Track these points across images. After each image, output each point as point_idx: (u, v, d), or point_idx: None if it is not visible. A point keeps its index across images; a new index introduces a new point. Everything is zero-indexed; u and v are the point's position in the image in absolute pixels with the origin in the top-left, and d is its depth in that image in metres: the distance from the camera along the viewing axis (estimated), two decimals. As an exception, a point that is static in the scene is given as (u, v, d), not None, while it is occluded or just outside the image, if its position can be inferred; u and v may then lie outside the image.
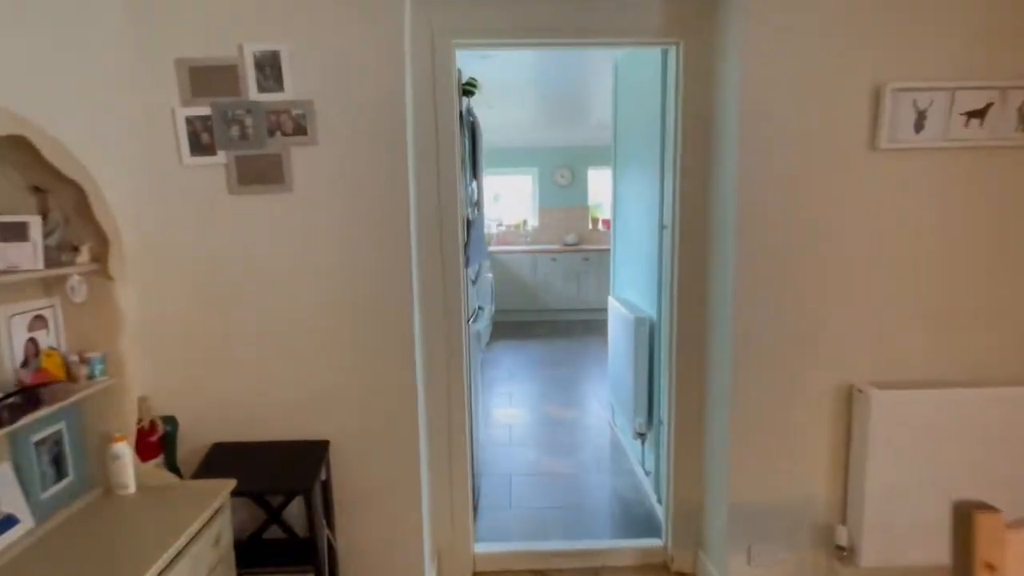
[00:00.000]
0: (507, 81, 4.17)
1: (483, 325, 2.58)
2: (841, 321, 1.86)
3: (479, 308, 2.99)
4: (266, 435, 1.85)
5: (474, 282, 2.64)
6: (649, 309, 2.66)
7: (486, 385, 4.49)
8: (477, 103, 4.81)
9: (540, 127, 6.31)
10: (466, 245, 2.30)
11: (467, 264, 2.31)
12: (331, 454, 1.85)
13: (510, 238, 7.42)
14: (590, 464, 3.04)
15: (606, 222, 7.36)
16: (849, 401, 1.90)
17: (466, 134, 2.38)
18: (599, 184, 7.51)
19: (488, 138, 7.04)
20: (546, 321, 6.85)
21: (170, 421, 1.79)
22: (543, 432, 3.53)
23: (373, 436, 1.87)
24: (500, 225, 7.47)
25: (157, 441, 1.76)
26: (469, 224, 2.37)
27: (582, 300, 6.83)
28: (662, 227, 2.35)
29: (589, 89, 4.50)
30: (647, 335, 2.61)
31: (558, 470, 2.98)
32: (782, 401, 1.90)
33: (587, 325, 6.59)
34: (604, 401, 4.04)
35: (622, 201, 3.29)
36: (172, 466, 1.79)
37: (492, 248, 6.87)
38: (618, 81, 3.34)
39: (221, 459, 1.77)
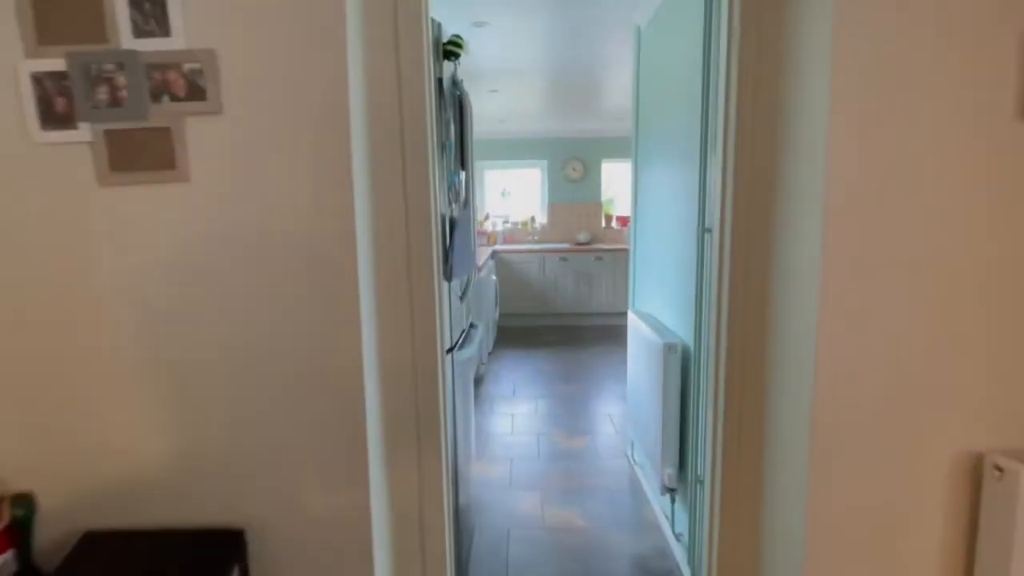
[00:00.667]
0: (511, 63, 3.63)
1: (474, 351, 2.05)
2: (968, 366, 1.31)
3: (471, 327, 2.47)
4: (157, 520, 1.34)
5: (462, 297, 2.12)
6: (682, 332, 2.12)
7: (487, 404, 3.97)
8: (476, 84, 4.27)
9: (549, 115, 5.77)
10: (447, 253, 1.77)
11: (449, 277, 1.78)
12: (248, 547, 1.34)
13: (517, 236, 6.89)
14: (606, 516, 2.51)
15: (621, 219, 6.81)
16: (976, 477, 1.35)
17: (449, 110, 1.85)
18: (613, 178, 6.96)
19: (492, 128, 6.51)
20: (555, 327, 6.32)
21: (24, 503, 1.29)
22: (550, 469, 3.00)
23: (307, 521, 1.35)
24: (506, 222, 6.94)
25: (4, 532, 1.26)
26: (452, 226, 1.84)
27: (594, 304, 6.29)
28: (703, 230, 1.81)
29: (603, 72, 3.95)
30: (679, 366, 2.07)
31: (567, 523, 2.46)
32: (882, 471, 1.36)
33: (600, 332, 6.05)
34: (619, 424, 3.51)
35: (645, 198, 2.74)
36: (27, 564, 1.29)
37: (497, 247, 6.34)
38: (641, 54, 2.80)
39: (91, 557, 1.26)
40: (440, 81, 1.73)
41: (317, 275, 1.27)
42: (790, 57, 1.40)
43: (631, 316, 2.72)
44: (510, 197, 7.11)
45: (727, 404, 1.63)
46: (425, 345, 1.56)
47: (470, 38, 3.02)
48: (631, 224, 2.96)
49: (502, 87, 4.34)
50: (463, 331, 2.17)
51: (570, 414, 3.77)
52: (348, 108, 1.23)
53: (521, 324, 6.34)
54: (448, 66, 1.87)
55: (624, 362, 4.88)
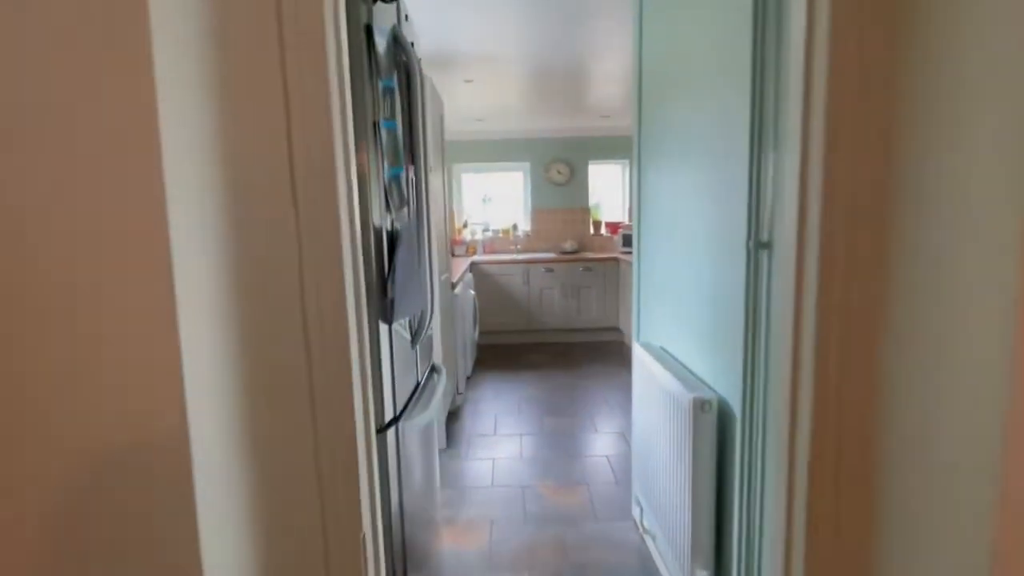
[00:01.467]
0: (484, 43, 3.08)
1: (433, 412, 1.46)
2: None
3: (432, 371, 1.89)
4: None
5: (414, 341, 1.54)
6: (717, 383, 1.57)
7: (463, 444, 3.39)
8: (448, 72, 3.70)
9: (531, 112, 5.23)
10: (385, 285, 1.20)
11: (391, 318, 1.21)
12: None
13: (498, 245, 6.34)
14: (612, 611, 1.95)
15: (610, 226, 6.29)
16: None
17: (391, 77, 1.28)
18: (601, 181, 6.46)
19: (470, 127, 5.94)
20: (541, 344, 5.76)
21: None
22: (538, 537, 2.43)
23: None
24: (486, 230, 6.38)
25: None
26: (393, 244, 1.27)
27: (583, 319, 5.75)
28: (757, 245, 1.26)
29: (591, 56, 3.42)
30: (714, 429, 1.52)
31: (562, 626, 1.89)
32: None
33: (590, 350, 5.51)
34: (619, 471, 2.95)
35: (653, 202, 2.20)
36: None
37: (476, 258, 5.77)
38: (644, 24, 2.26)
39: None
40: (369, 30, 1.16)
41: (117, 344, 0.69)
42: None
43: (638, 351, 2.16)
44: (491, 203, 6.55)
45: (811, 501, 1.08)
46: (337, 431, 0.98)
47: (433, 6, 2.46)
48: (634, 236, 2.42)
49: (477, 76, 3.79)
50: (417, 386, 1.60)
51: (561, 456, 3.21)
52: (150, 44, 0.66)
53: (503, 342, 5.77)
54: (384, 12, 1.30)
55: (620, 387, 4.34)
